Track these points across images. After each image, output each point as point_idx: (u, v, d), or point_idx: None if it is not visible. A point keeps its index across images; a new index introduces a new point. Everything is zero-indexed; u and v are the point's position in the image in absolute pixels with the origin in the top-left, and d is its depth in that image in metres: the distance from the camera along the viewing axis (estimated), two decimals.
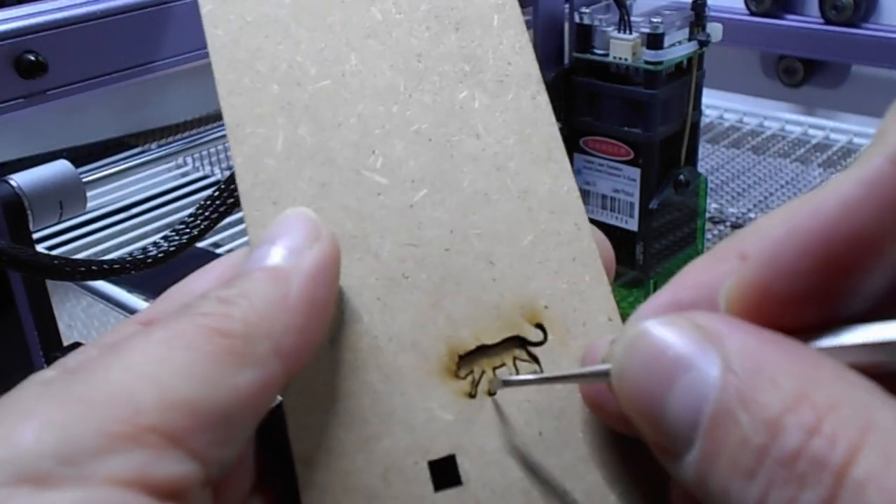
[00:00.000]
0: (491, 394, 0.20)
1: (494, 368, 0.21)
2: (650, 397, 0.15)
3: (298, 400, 0.20)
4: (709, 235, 0.80)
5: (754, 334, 0.15)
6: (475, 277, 0.21)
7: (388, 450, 0.20)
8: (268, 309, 0.18)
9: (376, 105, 0.22)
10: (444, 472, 0.20)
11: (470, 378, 0.21)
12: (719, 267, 0.18)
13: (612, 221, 0.65)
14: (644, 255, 0.64)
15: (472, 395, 0.20)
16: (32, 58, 0.50)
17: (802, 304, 0.15)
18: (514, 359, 0.21)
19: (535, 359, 0.21)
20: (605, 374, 0.17)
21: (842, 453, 0.13)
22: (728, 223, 0.85)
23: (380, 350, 0.20)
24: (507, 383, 0.20)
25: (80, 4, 0.53)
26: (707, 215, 0.70)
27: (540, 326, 0.21)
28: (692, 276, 0.19)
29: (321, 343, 0.20)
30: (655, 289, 0.66)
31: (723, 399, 0.14)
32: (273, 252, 0.19)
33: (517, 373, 0.21)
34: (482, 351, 0.21)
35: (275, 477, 0.20)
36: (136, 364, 0.16)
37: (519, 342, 0.21)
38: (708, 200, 0.69)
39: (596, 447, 0.20)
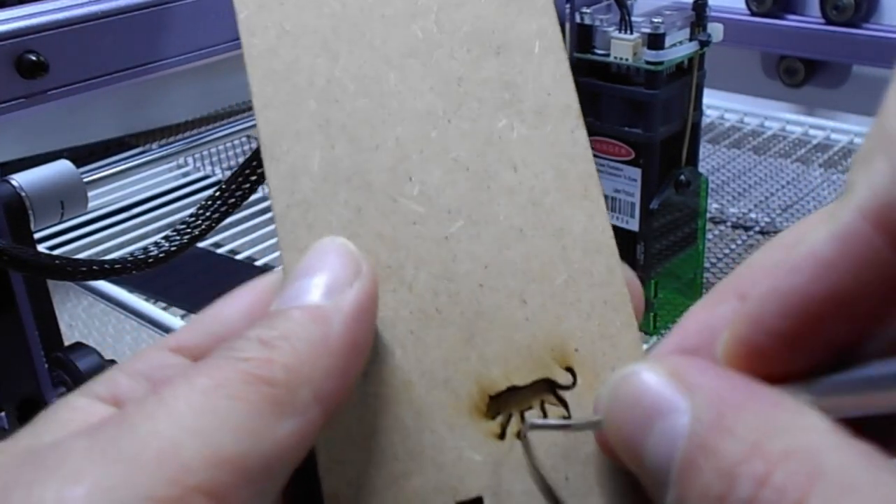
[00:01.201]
0: (520, 436, 0.20)
1: (523, 411, 0.20)
2: (631, 440, 0.16)
3: (330, 435, 0.19)
4: (709, 235, 0.80)
5: (722, 382, 0.16)
6: (508, 316, 0.21)
7: (417, 489, 0.19)
8: (309, 353, 0.18)
9: (415, 128, 0.21)
10: None
11: (499, 419, 0.20)
12: (719, 309, 0.19)
13: (613, 221, 0.65)
14: (645, 255, 0.64)
15: (501, 437, 0.20)
16: (33, 58, 0.50)
17: (791, 355, 0.16)
18: (543, 402, 0.21)
19: (563, 403, 0.21)
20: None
21: (790, 501, 0.13)
22: (729, 223, 0.85)
23: (412, 385, 0.20)
24: (534, 426, 0.20)
25: (81, 4, 0.53)
26: (708, 215, 0.70)
27: (570, 370, 0.21)
28: (694, 320, 0.19)
29: (359, 384, 0.19)
30: (656, 289, 0.66)
31: (689, 447, 0.15)
32: (312, 288, 0.19)
33: (545, 415, 0.21)
34: (512, 392, 0.20)
35: None
36: (181, 415, 0.16)
37: (548, 385, 0.21)
38: (709, 200, 0.69)
39: (620, 494, 0.20)
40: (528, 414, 0.20)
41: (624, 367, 0.19)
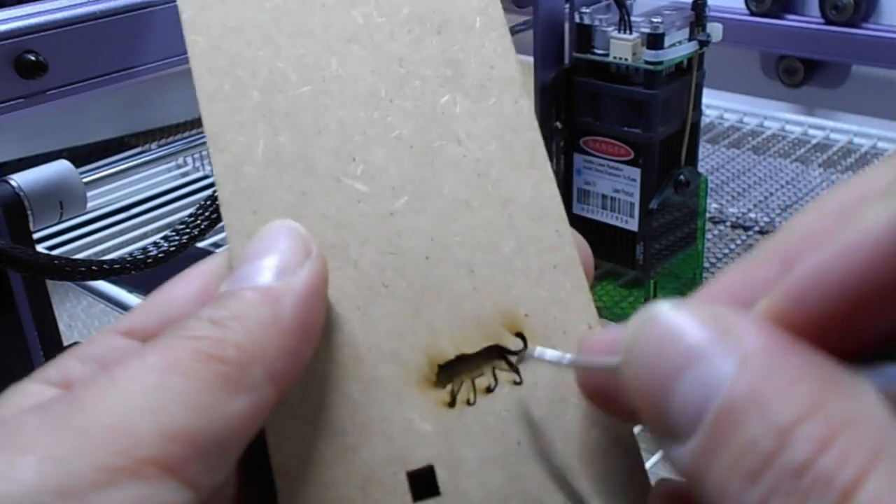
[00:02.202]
0: (469, 403, 0.20)
1: (473, 378, 0.21)
2: (657, 381, 0.15)
3: (278, 412, 0.19)
4: (709, 235, 0.80)
5: (776, 337, 0.14)
6: (455, 286, 0.21)
7: (366, 461, 0.20)
8: (261, 332, 0.18)
9: (357, 111, 0.22)
10: (423, 483, 0.20)
11: (449, 388, 0.21)
12: (759, 273, 0.17)
13: (612, 221, 0.65)
14: (644, 255, 0.64)
15: (451, 405, 0.20)
16: (32, 58, 0.50)
17: (830, 340, 0.15)
18: (494, 368, 0.21)
19: (514, 368, 0.21)
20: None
21: (850, 474, 0.12)
22: (728, 223, 0.85)
23: (359, 360, 0.20)
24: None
25: (81, 4, 0.53)
26: (707, 215, 0.70)
27: (520, 335, 0.21)
28: (730, 281, 0.18)
29: (309, 362, 0.20)
30: (655, 289, 0.66)
31: (734, 396, 0.14)
32: (262, 269, 0.19)
33: (496, 382, 0.21)
34: (462, 360, 0.21)
35: (255, 488, 0.20)
36: (133, 392, 0.16)
37: (498, 351, 0.21)
38: (708, 200, 0.69)
39: (574, 458, 0.20)
40: (479, 380, 0.21)
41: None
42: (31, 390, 0.19)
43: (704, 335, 0.15)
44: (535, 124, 0.22)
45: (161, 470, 0.16)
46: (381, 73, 0.22)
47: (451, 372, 0.21)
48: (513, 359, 0.21)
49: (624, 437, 0.21)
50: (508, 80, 0.23)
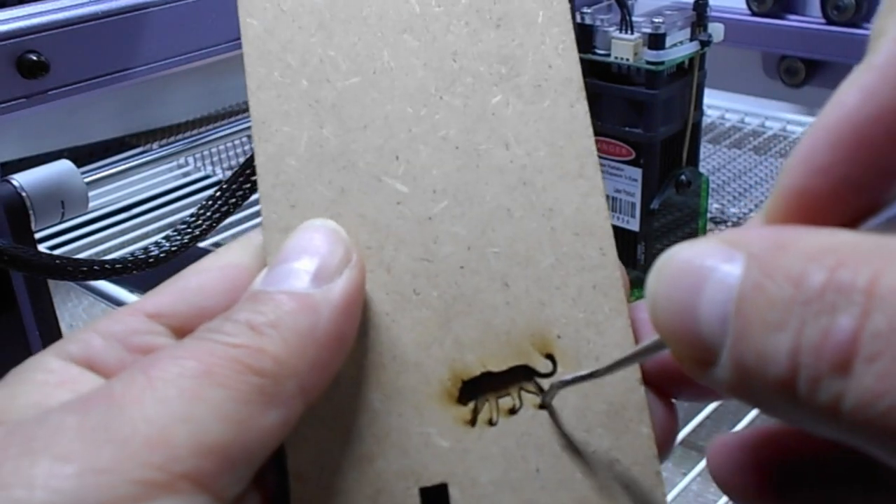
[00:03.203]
0: (491, 423, 0.20)
1: (497, 398, 0.20)
2: (682, 310, 0.15)
3: None
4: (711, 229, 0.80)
5: (774, 229, 0.15)
6: (488, 299, 0.20)
7: (380, 472, 0.19)
8: (297, 344, 0.18)
9: (405, 106, 0.21)
10: (435, 501, 0.19)
11: (472, 405, 0.20)
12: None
13: (614, 221, 0.65)
14: (645, 255, 0.64)
15: (471, 424, 0.20)
16: (34, 58, 0.50)
17: (841, 196, 0.15)
18: (520, 389, 0.20)
19: (541, 391, 0.20)
20: (660, 345, 0.17)
21: (867, 275, 0.13)
22: (729, 223, 0.85)
23: (382, 368, 0.20)
24: (562, 385, 0.19)
25: (82, 4, 0.53)
26: (708, 215, 0.70)
27: (550, 357, 0.20)
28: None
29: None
30: None
31: (748, 279, 0.14)
32: (300, 272, 0.19)
33: (520, 404, 0.20)
34: (487, 378, 0.20)
35: (272, 487, 0.20)
36: (171, 400, 0.16)
37: (526, 372, 0.20)
38: (709, 200, 0.69)
39: (593, 491, 0.20)
40: (503, 401, 0.20)
41: (611, 353, 0.18)
42: (53, 366, 0.19)
43: (712, 254, 0.15)
44: (590, 131, 0.21)
45: (194, 484, 0.16)
46: (434, 67, 0.21)
47: (475, 389, 0.20)
48: (541, 382, 0.20)
49: (648, 475, 0.20)
50: (566, 81, 0.21)
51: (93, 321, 0.20)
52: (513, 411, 0.20)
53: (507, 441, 0.20)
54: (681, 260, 0.15)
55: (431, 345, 0.20)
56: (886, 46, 0.15)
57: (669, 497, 0.53)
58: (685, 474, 0.56)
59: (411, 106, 0.21)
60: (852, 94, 0.15)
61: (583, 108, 0.21)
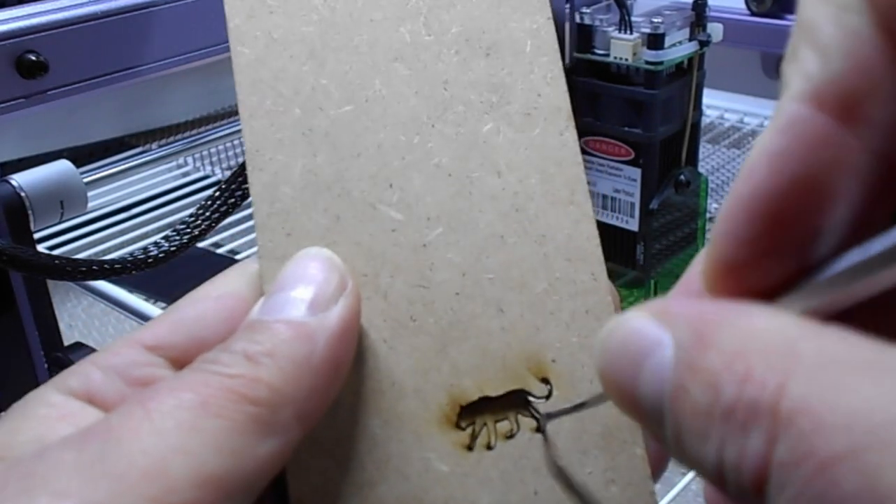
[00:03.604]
0: (489, 447, 0.20)
1: (495, 422, 0.20)
2: (625, 386, 0.16)
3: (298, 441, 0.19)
4: (709, 235, 0.80)
5: (696, 305, 0.15)
6: (483, 325, 0.20)
7: (381, 497, 0.19)
8: (293, 372, 0.18)
9: (397, 135, 0.21)
10: None
11: (470, 430, 0.20)
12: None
13: (613, 221, 0.65)
14: (644, 256, 0.64)
15: (469, 448, 0.20)
16: (33, 58, 0.50)
17: (766, 265, 0.16)
18: (517, 413, 0.20)
19: (538, 414, 0.20)
20: None
21: (770, 393, 0.13)
22: None
23: (381, 395, 0.20)
24: (550, 416, 0.20)
25: (81, 4, 0.53)
26: (708, 215, 0.70)
27: (546, 381, 0.20)
28: (694, 270, 0.19)
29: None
30: (656, 289, 0.66)
31: (676, 373, 0.15)
32: (296, 301, 0.19)
33: (518, 429, 0.20)
34: (485, 403, 0.20)
35: None
36: (168, 432, 0.17)
37: (522, 396, 0.20)
38: (709, 200, 0.69)
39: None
40: (501, 425, 0.20)
41: (606, 325, 0.18)
42: (54, 400, 0.19)
43: (649, 331, 0.15)
44: (579, 158, 0.22)
45: None
46: (425, 95, 0.21)
47: (472, 413, 0.20)
48: (537, 405, 0.20)
49: (643, 495, 0.20)
50: (555, 109, 0.22)
51: (92, 354, 0.20)
52: (510, 435, 0.20)
53: (505, 464, 0.20)
54: (620, 335, 0.16)
55: (429, 370, 0.20)
56: (785, 109, 0.15)
57: (669, 497, 0.53)
58: (684, 474, 0.56)
59: (404, 134, 0.21)
60: (761, 164, 0.15)
61: (572, 135, 0.22)
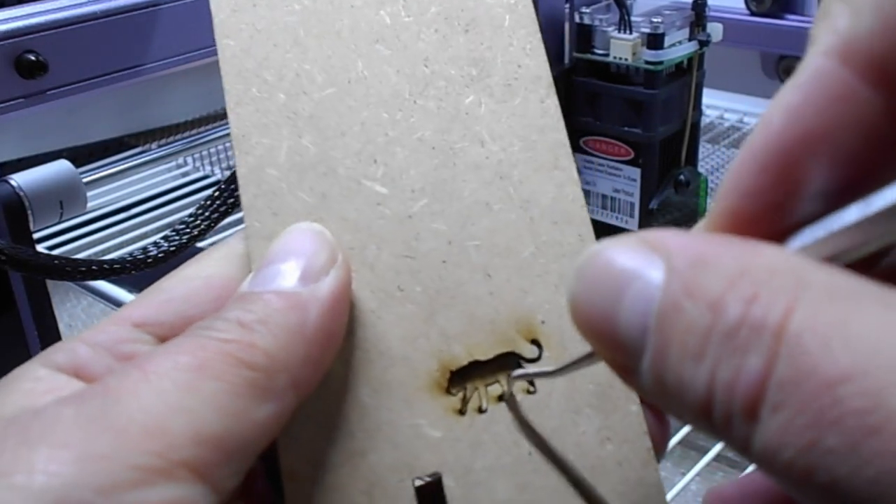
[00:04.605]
0: (481, 411, 0.20)
1: (487, 385, 0.20)
2: (602, 314, 0.15)
3: None
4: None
5: (696, 238, 0.15)
6: (471, 291, 0.21)
7: (372, 466, 0.20)
8: (287, 340, 0.18)
9: (380, 112, 0.22)
10: (429, 491, 0.20)
11: (461, 395, 0.20)
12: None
13: (613, 221, 0.65)
14: None
15: (461, 413, 0.20)
16: (33, 58, 0.50)
17: (771, 218, 0.15)
18: (508, 376, 0.20)
19: (506, 379, 0.20)
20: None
21: (778, 314, 0.13)
22: None
23: (370, 364, 0.20)
24: (516, 377, 0.20)
25: (81, 4, 0.53)
26: None
27: (536, 342, 0.21)
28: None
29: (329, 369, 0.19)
30: None
31: (668, 295, 0.14)
32: (286, 272, 0.19)
33: (510, 391, 0.20)
34: (475, 367, 0.20)
35: (264, 488, 0.20)
36: (167, 392, 0.17)
37: (513, 358, 0.21)
38: (708, 200, 0.69)
39: (587, 471, 0.20)
40: (492, 388, 0.20)
41: (578, 259, 0.18)
42: (40, 374, 0.19)
43: (634, 257, 0.15)
44: (562, 124, 0.22)
45: (192, 473, 0.16)
46: (406, 73, 0.22)
47: (463, 379, 0.20)
48: (527, 367, 0.20)
49: (640, 451, 0.20)
50: (535, 78, 0.22)
51: (79, 332, 0.20)
52: (502, 398, 0.20)
53: (497, 427, 0.20)
54: (602, 261, 0.15)
55: (418, 338, 0.20)
56: (810, 63, 0.15)
57: (668, 497, 0.53)
58: (684, 474, 0.56)
59: (387, 111, 0.22)
60: (777, 116, 0.15)
61: (553, 102, 0.22)
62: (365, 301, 0.20)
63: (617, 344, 0.15)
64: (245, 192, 0.21)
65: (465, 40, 0.22)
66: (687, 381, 0.13)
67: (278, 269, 0.19)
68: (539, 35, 0.23)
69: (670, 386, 0.14)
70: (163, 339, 0.20)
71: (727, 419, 0.13)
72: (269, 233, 0.20)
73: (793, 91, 0.15)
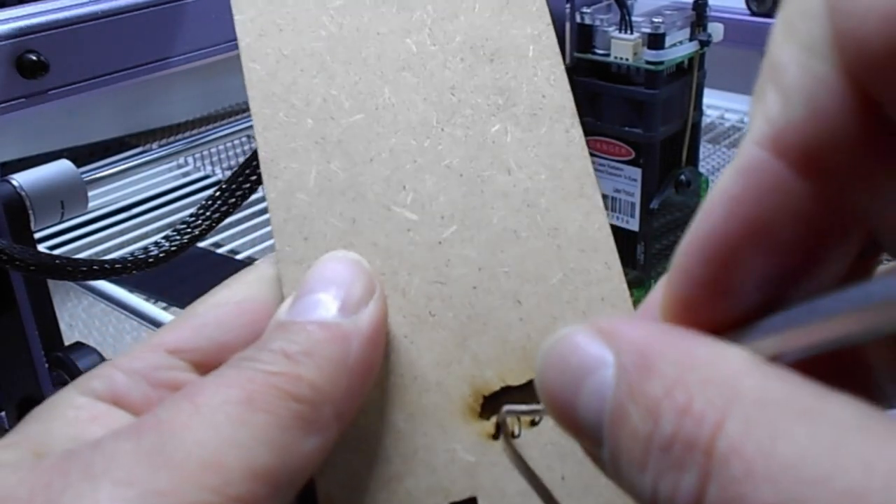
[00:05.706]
0: (514, 436, 0.20)
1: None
2: (564, 402, 0.16)
3: None
4: None
5: (645, 330, 0.15)
6: (502, 317, 0.21)
7: (409, 490, 0.20)
8: (331, 371, 0.18)
9: (408, 139, 0.22)
10: None
11: (494, 419, 0.20)
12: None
13: (613, 221, 0.65)
14: (645, 255, 0.64)
15: (495, 437, 0.20)
16: (34, 57, 0.50)
17: (720, 304, 0.15)
18: (500, 410, 0.20)
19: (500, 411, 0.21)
20: None
21: (708, 429, 0.13)
22: None
23: (404, 389, 0.20)
24: (509, 413, 0.20)
25: (82, 4, 0.53)
26: None
27: None
28: (655, 295, 0.19)
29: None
30: None
31: (617, 396, 0.14)
32: (326, 303, 0.19)
33: (541, 416, 0.21)
34: (507, 392, 0.21)
35: None
36: (220, 425, 0.17)
37: None
38: None
39: (620, 495, 0.20)
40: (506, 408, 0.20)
41: (547, 340, 0.19)
42: (79, 402, 0.19)
43: (591, 348, 0.15)
44: (586, 153, 0.22)
45: None
46: (433, 101, 0.22)
47: (496, 403, 0.20)
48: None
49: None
50: (560, 108, 0.23)
51: (113, 358, 0.21)
52: (534, 423, 0.21)
53: (531, 452, 0.20)
54: (564, 348, 0.16)
55: (451, 363, 0.21)
56: (745, 151, 0.15)
57: None
58: None
59: (415, 138, 0.22)
60: (718, 206, 0.15)
61: (578, 132, 0.23)
62: (398, 326, 0.21)
63: (579, 430, 0.15)
64: (275, 216, 0.21)
65: (491, 70, 0.23)
66: (636, 485, 0.14)
67: (318, 299, 0.19)
68: (563, 66, 0.23)
69: (625, 484, 0.14)
70: (197, 364, 0.20)
71: None
72: (300, 257, 0.21)
73: (731, 178, 0.15)
